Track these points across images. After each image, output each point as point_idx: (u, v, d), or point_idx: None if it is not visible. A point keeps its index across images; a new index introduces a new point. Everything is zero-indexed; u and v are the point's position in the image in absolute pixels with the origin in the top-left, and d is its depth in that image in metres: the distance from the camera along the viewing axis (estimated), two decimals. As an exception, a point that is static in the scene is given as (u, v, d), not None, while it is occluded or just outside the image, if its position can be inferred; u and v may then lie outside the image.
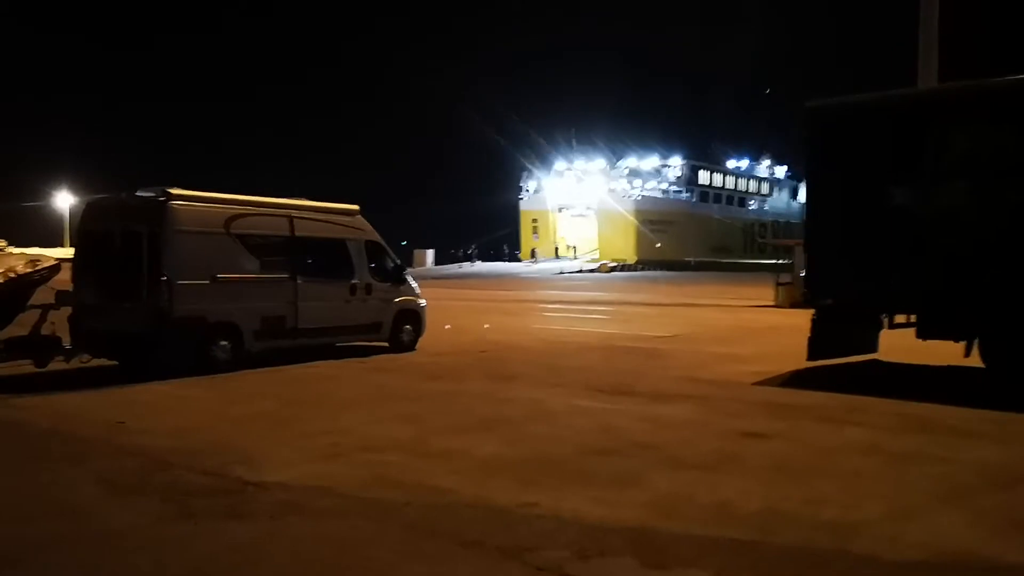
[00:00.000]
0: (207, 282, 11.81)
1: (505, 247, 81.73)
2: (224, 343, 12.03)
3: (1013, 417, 8.79)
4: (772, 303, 27.00)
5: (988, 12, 17.10)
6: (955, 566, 4.72)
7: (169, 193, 11.77)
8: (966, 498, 5.92)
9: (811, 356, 11.67)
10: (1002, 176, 10.44)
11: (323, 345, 13.80)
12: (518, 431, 8.19)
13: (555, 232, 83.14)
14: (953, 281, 10.74)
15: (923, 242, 10.93)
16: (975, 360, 11.08)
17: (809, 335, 11.66)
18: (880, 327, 12.31)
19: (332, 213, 14.28)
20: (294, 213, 13.42)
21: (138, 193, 12.31)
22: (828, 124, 12.30)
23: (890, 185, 11.41)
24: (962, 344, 11.15)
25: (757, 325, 20.68)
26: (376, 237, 14.67)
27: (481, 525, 5.36)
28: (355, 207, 14.85)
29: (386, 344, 14.65)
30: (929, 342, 11.47)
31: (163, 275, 11.31)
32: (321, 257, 13.78)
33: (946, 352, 11.57)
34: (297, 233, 13.28)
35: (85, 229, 12.78)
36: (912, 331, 11.70)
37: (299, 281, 13.06)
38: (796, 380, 11.43)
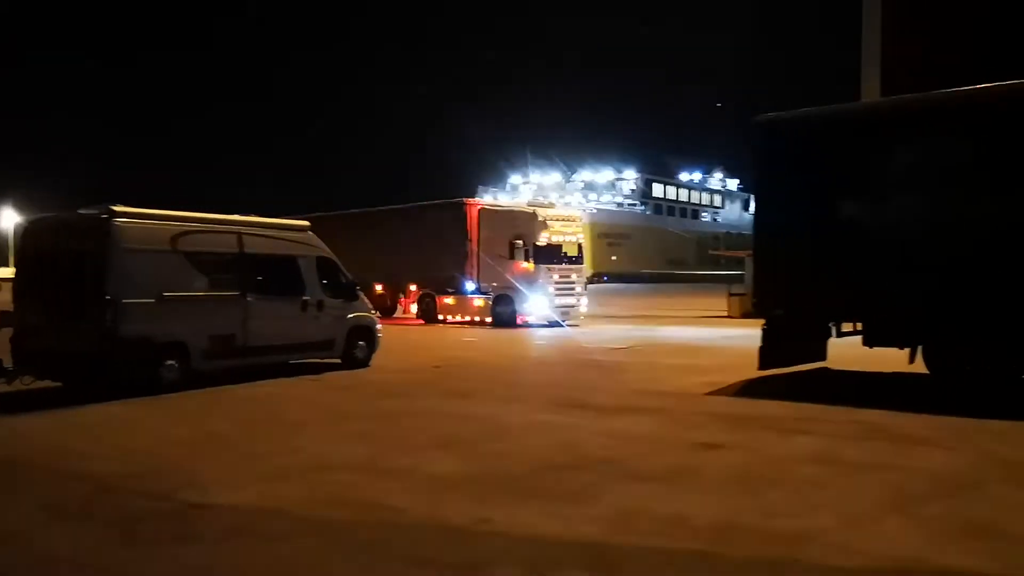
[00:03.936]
0: (153, 301, 11.52)
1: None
2: (172, 362, 11.74)
3: (958, 422, 8.97)
4: (725, 314, 27.36)
5: (927, 29, 17.60)
6: (903, 572, 4.78)
7: (112, 210, 11.48)
8: (915, 505, 6.01)
9: (762, 365, 11.82)
10: (943, 187, 10.71)
11: (275, 363, 13.58)
12: (473, 448, 8.12)
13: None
14: (896, 290, 10.95)
15: (868, 253, 11.13)
16: (920, 367, 11.32)
17: (760, 345, 11.81)
18: (828, 336, 12.51)
19: (282, 229, 14.10)
20: (243, 229, 13.19)
21: (80, 211, 12.02)
22: (776, 137, 12.50)
23: (836, 197, 11.64)
24: (907, 351, 11.39)
25: (711, 336, 20.90)
26: (328, 253, 14.50)
27: (434, 543, 5.28)
28: (306, 223, 14.70)
29: (339, 361, 14.48)
30: (876, 349, 11.68)
31: (107, 294, 11.04)
32: (271, 274, 13.52)
33: (892, 359, 11.79)
34: (246, 250, 13.04)
35: (26, 248, 12.48)
36: (859, 339, 11.91)
37: (249, 298, 12.82)
38: (749, 390, 11.55)
